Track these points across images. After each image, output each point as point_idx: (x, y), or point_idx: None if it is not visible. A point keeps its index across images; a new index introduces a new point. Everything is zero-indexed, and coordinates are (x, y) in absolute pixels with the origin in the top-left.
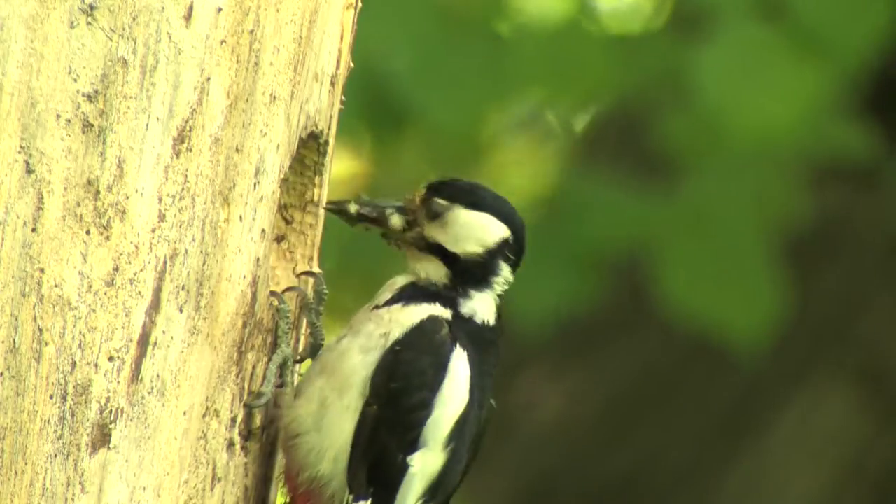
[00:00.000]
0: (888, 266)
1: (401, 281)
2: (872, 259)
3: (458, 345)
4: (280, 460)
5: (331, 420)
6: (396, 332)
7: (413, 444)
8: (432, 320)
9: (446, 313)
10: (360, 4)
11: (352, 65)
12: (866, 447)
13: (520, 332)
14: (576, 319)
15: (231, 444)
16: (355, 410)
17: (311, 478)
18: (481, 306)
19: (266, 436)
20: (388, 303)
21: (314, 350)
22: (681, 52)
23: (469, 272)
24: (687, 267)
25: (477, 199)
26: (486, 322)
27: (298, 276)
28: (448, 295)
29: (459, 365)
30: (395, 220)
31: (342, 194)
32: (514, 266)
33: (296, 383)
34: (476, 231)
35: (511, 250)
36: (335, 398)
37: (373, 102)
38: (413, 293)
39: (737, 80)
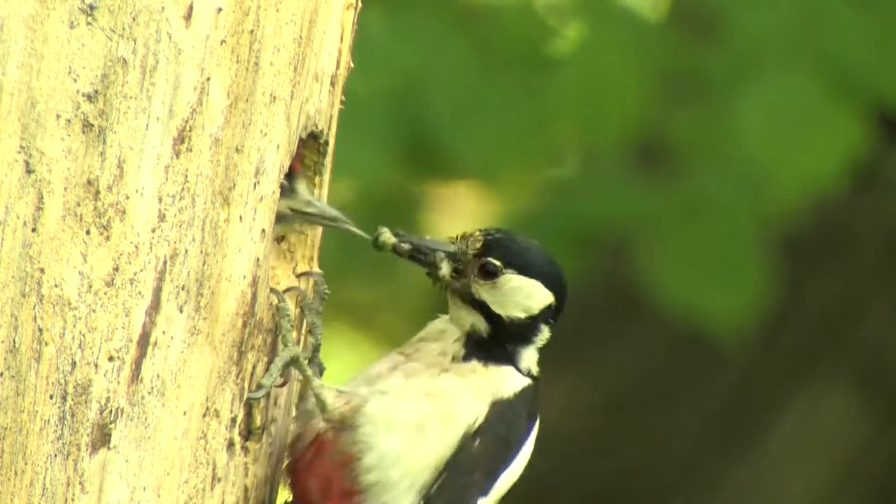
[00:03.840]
0: (888, 266)
1: (453, 332)
2: (872, 259)
3: (537, 412)
4: (280, 461)
5: (425, 442)
6: (503, 392)
7: (486, 491)
8: (531, 386)
9: (527, 380)
10: (360, 4)
11: (352, 65)
12: (866, 447)
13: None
14: (572, 320)
15: (231, 444)
16: (451, 447)
17: (368, 481)
18: (530, 360)
19: (267, 435)
20: (470, 357)
21: (314, 350)
22: (689, 48)
23: (509, 332)
24: (677, 253)
25: (529, 263)
26: (537, 374)
27: (299, 276)
28: (504, 353)
29: (533, 431)
30: (445, 269)
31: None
32: (553, 323)
33: (292, 394)
34: (523, 297)
35: (553, 314)
36: (436, 426)
37: (407, 140)
38: (490, 349)
39: (779, 133)
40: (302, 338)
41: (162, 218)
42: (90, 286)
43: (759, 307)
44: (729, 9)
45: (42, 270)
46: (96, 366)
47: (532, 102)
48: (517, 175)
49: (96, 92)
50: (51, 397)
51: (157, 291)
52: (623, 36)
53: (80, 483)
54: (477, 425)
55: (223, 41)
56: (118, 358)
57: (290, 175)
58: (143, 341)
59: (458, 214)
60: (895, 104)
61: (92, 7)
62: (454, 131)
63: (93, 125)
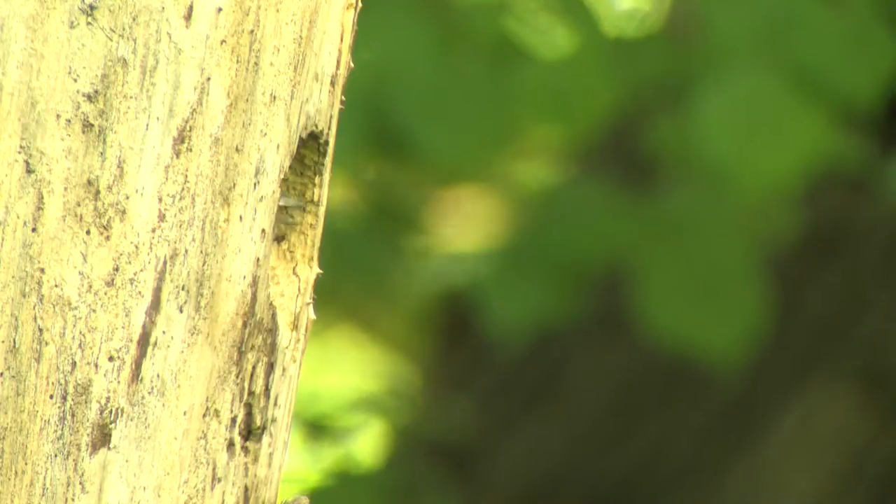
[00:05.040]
0: (888, 266)
1: None
2: (872, 259)
3: None
4: (280, 460)
5: None
6: None
7: None
8: None
9: None
10: (360, 4)
11: (352, 65)
12: (866, 448)
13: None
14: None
15: (231, 444)
16: None
17: None
18: None
19: (267, 435)
20: None
21: None
22: (677, 58)
23: None
24: (665, 281)
25: None
26: None
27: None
28: None
29: None
30: None
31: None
32: None
33: (292, 394)
34: None
35: None
36: None
37: (375, 132)
38: None
39: (743, 133)
40: (302, 338)
41: (162, 218)
42: (90, 286)
43: (753, 335)
44: (704, 10)
45: (42, 270)
46: (96, 366)
47: (500, 95)
48: (485, 170)
49: (96, 92)
50: (51, 397)
51: (157, 291)
52: (600, 38)
53: (80, 483)
54: None
55: (223, 41)
56: (118, 358)
57: None
58: (143, 341)
59: (459, 217)
60: (865, 106)
61: (92, 7)
62: (421, 122)
63: (93, 125)
